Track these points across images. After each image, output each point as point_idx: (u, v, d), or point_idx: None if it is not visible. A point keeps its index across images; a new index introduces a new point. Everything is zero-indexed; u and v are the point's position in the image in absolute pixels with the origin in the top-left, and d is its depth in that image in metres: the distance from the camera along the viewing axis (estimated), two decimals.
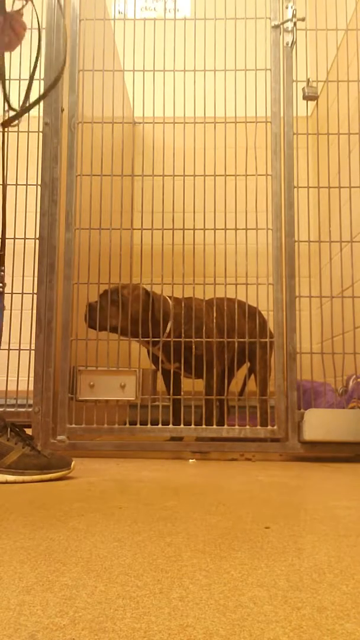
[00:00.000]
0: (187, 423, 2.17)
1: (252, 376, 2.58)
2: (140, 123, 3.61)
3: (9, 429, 1.59)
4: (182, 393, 2.39)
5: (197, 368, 2.29)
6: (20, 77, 2.39)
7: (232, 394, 2.61)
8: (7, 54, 1.67)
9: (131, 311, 2.24)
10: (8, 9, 1.49)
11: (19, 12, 1.51)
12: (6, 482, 1.52)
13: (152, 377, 2.35)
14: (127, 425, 2.19)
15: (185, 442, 2.19)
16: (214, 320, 2.29)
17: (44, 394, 2.10)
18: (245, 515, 1.14)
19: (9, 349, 2.27)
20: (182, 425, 2.15)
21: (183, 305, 2.28)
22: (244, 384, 2.68)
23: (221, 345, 2.33)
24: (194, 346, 2.25)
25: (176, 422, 2.24)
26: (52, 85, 1.70)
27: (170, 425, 2.15)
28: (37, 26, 1.55)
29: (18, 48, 1.61)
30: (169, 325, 2.28)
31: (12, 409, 2.26)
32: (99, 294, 2.29)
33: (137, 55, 2.33)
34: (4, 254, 1.63)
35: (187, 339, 2.24)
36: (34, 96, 1.67)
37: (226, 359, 2.43)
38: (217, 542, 0.93)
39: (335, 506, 1.24)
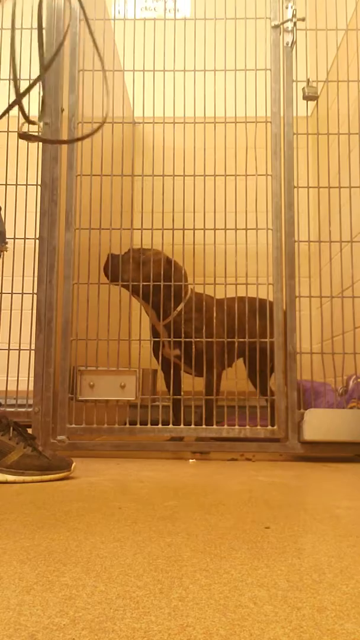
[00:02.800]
0: (187, 423, 2.17)
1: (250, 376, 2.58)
2: (140, 123, 3.60)
3: (11, 428, 1.59)
4: (182, 392, 2.39)
5: (198, 364, 2.30)
6: (20, 77, 2.39)
7: (231, 394, 2.61)
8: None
9: (151, 272, 2.28)
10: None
11: None
12: (6, 482, 1.52)
13: (152, 377, 2.35)
14: (127, 425, 2.19)
15: (185, 442, 2.19)
16: (223, 319, 2.30)
17: (44, 394, 2.10)
18: (245, 515, 1.14)
19: (9, 349, 2.27)
20: (182, 425, 2.15)
21: (195, 296, 2.31)
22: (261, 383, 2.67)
23: (223, 345, 2.33)
24: (194, 340, 2.25)
25: (176, 422, 2.24)
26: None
27: (170, 425, 2.15)
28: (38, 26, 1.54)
29: (18, 48, 1.61)
30: (181, 305, 2.30)
31: (12, 409, 2.26)
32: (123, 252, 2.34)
33: (137, 55, 2.33)
34: None
35: (191, 332, 2.26)
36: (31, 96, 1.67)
37: (226, 360, 2.43)
38: (217, 542, 0.93)
39: (335, 506, 1.24)
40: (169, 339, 2.33)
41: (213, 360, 2.29)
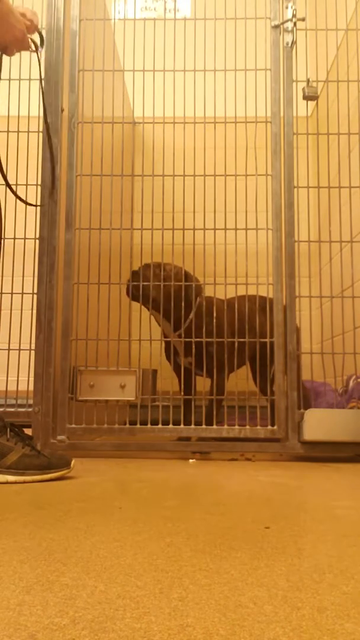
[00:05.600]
0: (188, 423, 2.17)
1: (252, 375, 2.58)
2: (140, 123, 3.60)
3: (8, 429, 1.60)
4: (193, 393, 2.40)
5: (208, 366, 2.30)
6: (20, 77, 2.40)
7: (231, 394, 2.62)
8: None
9: (172, 289, 2.30)
10: None
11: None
12: (7, 483, 1.52)
13: (152, 377, 2.35)
14: (127, 425, 2.19)
15: (185, 442, 2.19)
16: (234, 322, 2.30)
17: (44, 394, 2.10)
18: (245, 515, 1.14)
19: (9, 349, 2.27)
20: (182, 425, 2.15)
21: (205, 302, 2.31)
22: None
23: (233, 347, 2.33)
24: (204, 343, 2.26)
25: (187, 423, 2.23)
26: None
27: (170, 425, 2.15)
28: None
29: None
30: (191, 314, 2.31)
31: (12, 409, 2.26)
32: (141, 265, 2.35)
33: (137, 55, 2.33)
34: None
35: (202, 337, 2.26)
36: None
37: (235, 361, 2.43)
38: (217, 542, 0.93)
39: (335, 506, 1.24)
40: (181, 338, 2.34)
41: (223, 362, 2.29)
